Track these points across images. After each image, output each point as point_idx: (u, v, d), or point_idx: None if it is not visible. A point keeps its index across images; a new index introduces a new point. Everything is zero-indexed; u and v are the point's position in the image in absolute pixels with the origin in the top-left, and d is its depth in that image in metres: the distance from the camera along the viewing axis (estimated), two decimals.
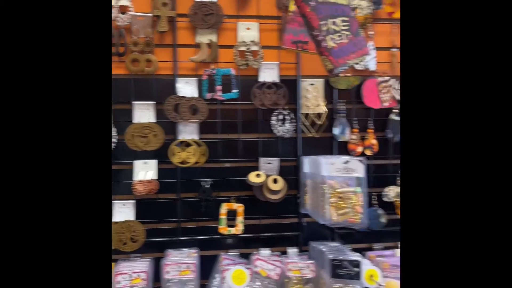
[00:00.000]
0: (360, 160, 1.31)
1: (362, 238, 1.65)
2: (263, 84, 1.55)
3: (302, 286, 1.44)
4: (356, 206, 1.29)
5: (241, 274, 1.38)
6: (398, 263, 1.49)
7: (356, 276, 1.35)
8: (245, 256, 1.53)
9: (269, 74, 1.56)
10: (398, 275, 1.48)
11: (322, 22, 1.21)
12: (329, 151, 1.63)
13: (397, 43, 1.64)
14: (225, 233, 1.54)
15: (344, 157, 1.33)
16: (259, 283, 1.44)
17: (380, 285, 1.40)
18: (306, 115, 1.61)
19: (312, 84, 1.60)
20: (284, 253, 1.56)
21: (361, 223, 1.29)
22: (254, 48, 1.53)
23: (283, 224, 1.62)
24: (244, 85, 1.56)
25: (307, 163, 1.52)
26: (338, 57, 1.23)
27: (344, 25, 1.23)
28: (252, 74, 1.56)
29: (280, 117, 1.58)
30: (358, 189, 1.30)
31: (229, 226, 1.55)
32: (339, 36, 1.23)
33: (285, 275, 1.44)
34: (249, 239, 1.58)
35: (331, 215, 1.31)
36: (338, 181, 1.33)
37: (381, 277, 1.41)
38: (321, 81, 1.61)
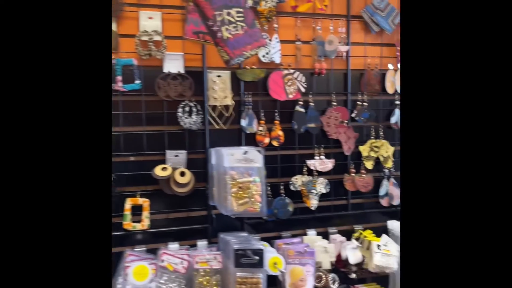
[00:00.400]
0: (258, 151, 1.33)
1: (272, 227, 1.69)
2: (168, 75, 1.52)
3: (209, 278, 1.44)
4: (255, 196, 1.31)
5: (142, 269, 1.35)
6: (303, 250, 1.54)
7: (259, 264, 1.37)
8: (154, 252, 1.50)
9: (173, 65, 1.53)
10: (303, 261, 1.54)
11: (216, 13, 1.21)
12: (237, 143, 1.64)
13: (301, 36, 1.68)
14: (130, 229, 1.49)
15: (244, 148, 1.34)
16: (166, 278, 1.41)
17: (282, 272, 1.44)
18: (214, 107, 1.60)
19: (219, 76, 1.59)
20: (194, 246, 1.55)
21: (260, 212, 1.32)
22: (157, 38, 1.49)
23: (192, 217, 1.61)
24: (147, 76, 1.51)
25: (214, 155, 1.51)
26: (233, 48, 1.24)
27: (239, 16, 1.24)
28: (156, 65, 1.52)
29: (187, 108, 1.55)
30: (257, 178, 1.32)
31: (134, 221, 1.50)
32: (234, 27, 1.24)
33: (192, 268, 1.43)
34: (157, 233, 1.55)
35: (232, 206, 1.32)
36: (240, 172, 1.34)
37: (285, 264, 1.45)
38: (228, 73, 1.60)
